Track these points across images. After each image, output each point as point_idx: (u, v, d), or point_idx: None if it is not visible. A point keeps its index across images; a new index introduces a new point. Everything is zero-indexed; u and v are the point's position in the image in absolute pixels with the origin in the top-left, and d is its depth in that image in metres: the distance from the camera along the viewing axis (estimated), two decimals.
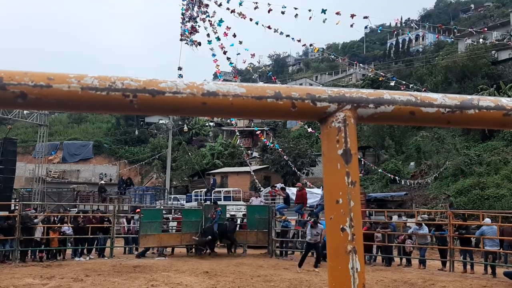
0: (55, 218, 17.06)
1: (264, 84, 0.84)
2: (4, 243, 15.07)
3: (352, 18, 20.69)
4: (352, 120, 0.84)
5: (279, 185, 27.33)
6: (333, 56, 30.74)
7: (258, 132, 27.04)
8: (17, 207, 16.15)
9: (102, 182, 32.58)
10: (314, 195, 20.96)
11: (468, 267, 14.26)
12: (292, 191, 23.56)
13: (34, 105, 0.76)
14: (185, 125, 47.80)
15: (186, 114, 0.84)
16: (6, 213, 16.18)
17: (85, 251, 16.41)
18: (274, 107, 0.82)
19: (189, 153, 40.47)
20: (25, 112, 28.61)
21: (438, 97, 0.89)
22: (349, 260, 0.80)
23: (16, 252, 14.92)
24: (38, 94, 0.74)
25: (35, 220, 15.83)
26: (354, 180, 0.83)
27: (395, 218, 18.24)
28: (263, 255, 17.13)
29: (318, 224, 14.28)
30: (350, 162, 0.83)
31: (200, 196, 28.38)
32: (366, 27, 22.75)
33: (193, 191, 31.21)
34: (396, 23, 30.35)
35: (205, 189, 29.51)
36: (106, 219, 17.05)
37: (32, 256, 15.54)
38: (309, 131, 27.45)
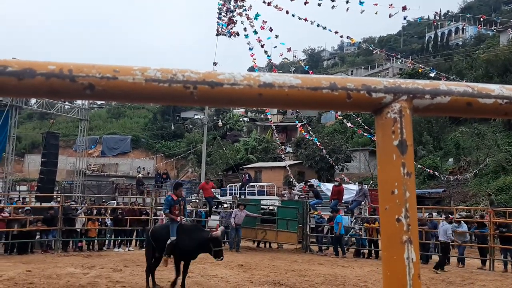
0: (99, 210, 17.56)
1: (319, 75, 0.85)
2: (47, 233, 15.68)
3: (390, 8, 20.33)
4: (408, 111, 0.84)
5: (313, 181, 27.22)
6: (371, 48, 30.22)
7: (298, 126, 26.93)
8: (59, 199, 16.72)
9: (140, 175, 33.27)
10: (349, 191, 20.76)
11: (509, 266, 13.85)
12: (326, 187, 23.41)
13: (101, 96, 0.79)
14: (220, 120, 48.19)
15: (243, 105, 0.86)
16: (52, 204, 16.82)
17: (124, 242, 16.86)
18: (329, 98, 0.83)
19: (224, 148, 40.80)
20: (66, 107, 29.50)
21: (495, 88, 0.88)
22: (404, 250, 0.81)
23: (58, 242, 15.48)
24: (105, 85, 0.78)
25: (79, 211, 16.40)
26: (409, 171, 0.83)
27: (434, 215, 17.88)
28: (297, 250, 17.13)
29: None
30: (406, 153, 0.83)
31: (235, 190, 28.61)
32: (404, 18, 22.33)
33: (228, 185, 31.48)
34: (435, 15, 29.60)
35: (240, 184, 29.72)
36: (144, 212, 17.44)
37: (74, 246, 16.08)
38: (348, 126, 26.97)
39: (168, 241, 9.56)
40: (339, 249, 16.09)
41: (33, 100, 27.42)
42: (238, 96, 0.82)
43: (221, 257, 9.63)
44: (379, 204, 0.85)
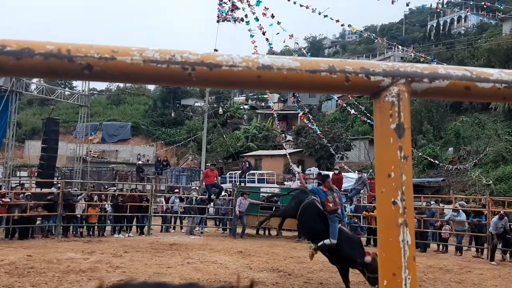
0: (100, 196, 17.64)
1: (318, 58, 0.85)
2: (47, 218, 15.76)
3: None
4: (406, 95, 0.84)
5: (313, 170, 27.28)
6: (372, 37, 30.04)
7: (300, 114, 26.79)
8: (59, 185, 16.77)
9: (140, 162, 33.31)
10: (349, 179, 20.80)
11: (507, 255, 13.95)
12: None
13: (99, 76, 0.79)
14: (220, 107, 48.12)
15: (242, 87, 0.86)
16: (53, 190, 16.89)
17: (124, 228, 16.95)
18: (328, 81, 0.83)
19: (224, 136, 40.77)
20: (66, 93, 29.44)
21: (494, 72, 0.87)
22: (400, 232, 0.81)
23: (58, 227, 15.56)
24: (103, 66, 0.78)
25: (79, 197, 16.46)
26: (406, 155, 0.83)
27: (432, 204, 17.95)
28: (296, 237, 17.20)
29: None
30: (403, 137, 0.83)
31: (235, 178, 28.66)
32: (407, 5, 22.20)
33: (228, 173, 31.53)
34: (438, 3, 29.33)
35: (240, 171, 29.77)
36: (145, 198, 17.50)
37: (74, 232, 16.16)
38: (352, 113, 26.70)
39: (327, 242, 8.48)
40: None
41: (33, 86, 27.33)
42: (236, 78, 0.82)
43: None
44: (376, 187, 0.85)
